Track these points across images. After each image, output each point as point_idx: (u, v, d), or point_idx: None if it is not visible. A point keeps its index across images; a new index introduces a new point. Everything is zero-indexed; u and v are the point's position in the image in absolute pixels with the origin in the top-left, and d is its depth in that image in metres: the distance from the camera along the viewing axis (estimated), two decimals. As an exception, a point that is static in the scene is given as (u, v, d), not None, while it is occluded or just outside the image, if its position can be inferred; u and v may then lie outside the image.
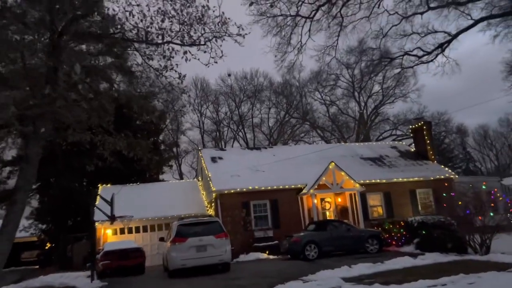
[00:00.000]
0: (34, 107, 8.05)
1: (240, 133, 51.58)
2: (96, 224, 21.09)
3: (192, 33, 9.44)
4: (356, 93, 48.46)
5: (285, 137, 50.01)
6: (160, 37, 9.38)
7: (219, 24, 9.45)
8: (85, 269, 20.19)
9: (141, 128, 29.30)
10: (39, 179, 29.66)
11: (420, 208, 23.01)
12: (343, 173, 21.52)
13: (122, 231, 22.17)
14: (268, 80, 51.05)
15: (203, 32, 9.44)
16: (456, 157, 54.80)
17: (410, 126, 26.33)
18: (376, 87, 48.11)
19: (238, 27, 9.53)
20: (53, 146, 25.34)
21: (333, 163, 21.56)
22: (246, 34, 9.69)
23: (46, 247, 31.00)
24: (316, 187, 21.08)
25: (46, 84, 8.39)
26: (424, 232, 15.79)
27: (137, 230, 22.49)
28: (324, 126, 49.66)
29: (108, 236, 21.91)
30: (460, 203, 14.02)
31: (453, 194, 14.74)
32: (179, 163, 50.16)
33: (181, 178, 48.12)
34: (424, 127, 25.38)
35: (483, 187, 14.84)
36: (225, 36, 9.58)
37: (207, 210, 22.76)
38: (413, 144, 27.26)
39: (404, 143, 27.95)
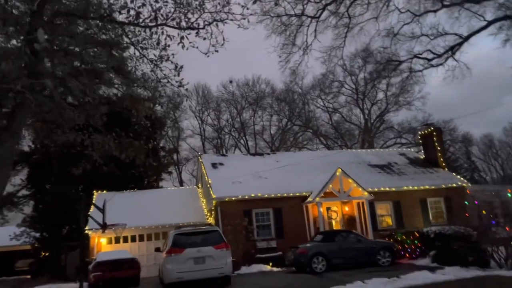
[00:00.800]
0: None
1: (242, 141, 50.40)
2: (90, 232, 19.75)
3: (189, 15, 8.26)
4: (360, 101, 47.29)
5: (287, 144, 48.73)
6: (153, 20, 8.22)
7: (220, 4, 8.28)
8: (78, 280, 18.88)
9: (138, 133, 28.02)
10: (34, 185, 28.48)
11: (431, 218, 21.67)
12: (350, 181, 20.21)
13: (117, 240, 20.79)
14: (270, 87, 49.99)
15: (201, 13, 8.24)
16: (461, 166, 53.36)
17: (420, 132, 25.05)
18: (380, 95, 47.00)
19: (242, 6, 8.33)
20: (48, 150, 24.18)
21: (340, 170, 20.27)
22: (251, 14, 8.49)
23: (41, 256, 29.60)
24: (322, 195, 19.76)
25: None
26: (441, 244, 14.42)
27: (133, 239, 21.13)
28: (327, 134, 48.40)
29: (102, 245, 20.52)
30: (484, 212, 12.71)
31: (476, 202, 13.40)
32: (180, 170, 48.86)
33: (181, 186, 46.74)
34: (434, 133, 24.10)
35: (508, 195, 13.57)
36: (227, 19, 8.43)
37: (207, 219, 21.42)
38: (422, 151, 25.98)
39: (413, 150, 26.64)
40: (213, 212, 20.45)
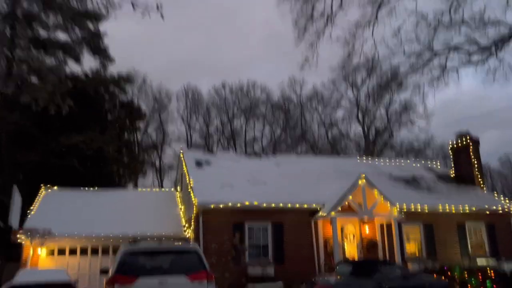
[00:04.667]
0: None
1: (231, 150, 44.59)
2: (23, 239, 13.74)
3: None
4: (360, 115, 42.36)
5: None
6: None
7: None
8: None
9: (111, 123, 22.30)
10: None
11: (470, 248, 16.32)
12: (376, 193, 14.78)
13: (61, 252, 14.88)
14: (266, 94, 44.75)
15: None
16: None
17: (451, 144, 19.82)
18: (381, 112, 42.25)
19: None
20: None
21: (364, 178, 14.84)
22: None
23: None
24: (339, 209, 14.26)
25: None
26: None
27: (84, 251, 15.21)
28: (323, 149, 43.09)
29: (41, 258, 14.48)
30: None
31: None
32: (161, 178, 42.56)
33: (162, 193, 40.44)
34: (471, 145, 18.94)
35: None
36: None
37: (184, 231, 15.66)
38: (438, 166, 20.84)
39: (438, 165, 21.41)
40: (192, 223, 14.72)
